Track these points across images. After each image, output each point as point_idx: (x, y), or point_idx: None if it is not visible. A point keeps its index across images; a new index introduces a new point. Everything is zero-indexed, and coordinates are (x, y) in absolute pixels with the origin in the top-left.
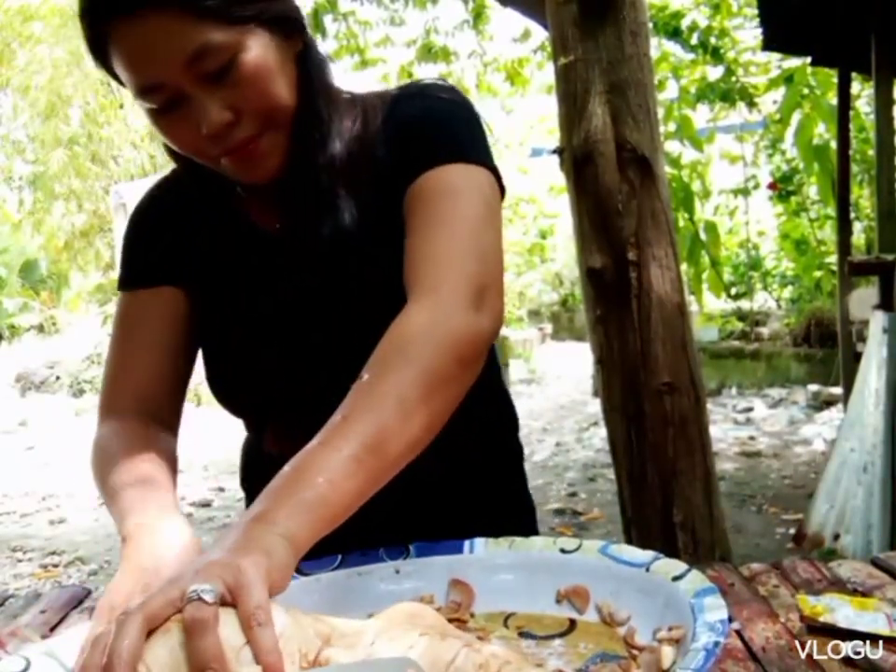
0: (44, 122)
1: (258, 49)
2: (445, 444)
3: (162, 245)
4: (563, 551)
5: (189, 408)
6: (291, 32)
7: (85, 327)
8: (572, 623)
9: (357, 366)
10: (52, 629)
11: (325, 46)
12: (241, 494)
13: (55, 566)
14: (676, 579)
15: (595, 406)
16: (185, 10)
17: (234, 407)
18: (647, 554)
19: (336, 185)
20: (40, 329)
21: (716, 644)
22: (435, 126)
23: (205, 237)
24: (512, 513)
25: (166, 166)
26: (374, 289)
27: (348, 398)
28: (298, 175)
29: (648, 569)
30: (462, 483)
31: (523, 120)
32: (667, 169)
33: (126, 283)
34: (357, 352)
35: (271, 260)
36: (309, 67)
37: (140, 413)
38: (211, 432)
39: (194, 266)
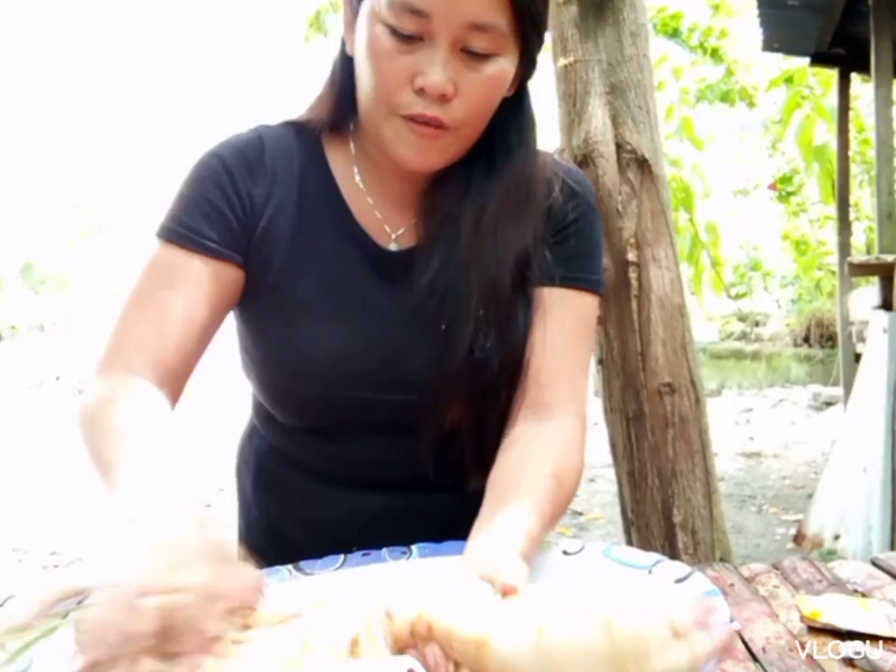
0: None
1: (509, 65)
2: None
3: (246, 216)
4: (565, 553)
5: (189, 408)
6: (528, 71)
7: (86, 327)
8: None
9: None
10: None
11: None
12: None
13: (55, 566)
14: (679, 581)
15: (596, 406)
16: None
17: (280, 404)
18: (650, 557)
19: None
20: (41, 328)
21: None
22: (595, 246)
23: (301, 222)
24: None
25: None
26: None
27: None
28: (466, 208)
29: (651, 572)
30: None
31: None
32: (668, 169)
33: (185, 239)
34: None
35: (385, 275)
36: (520, 117)
37: (155, 382)
38: (210, 432)
39: (280, 249)
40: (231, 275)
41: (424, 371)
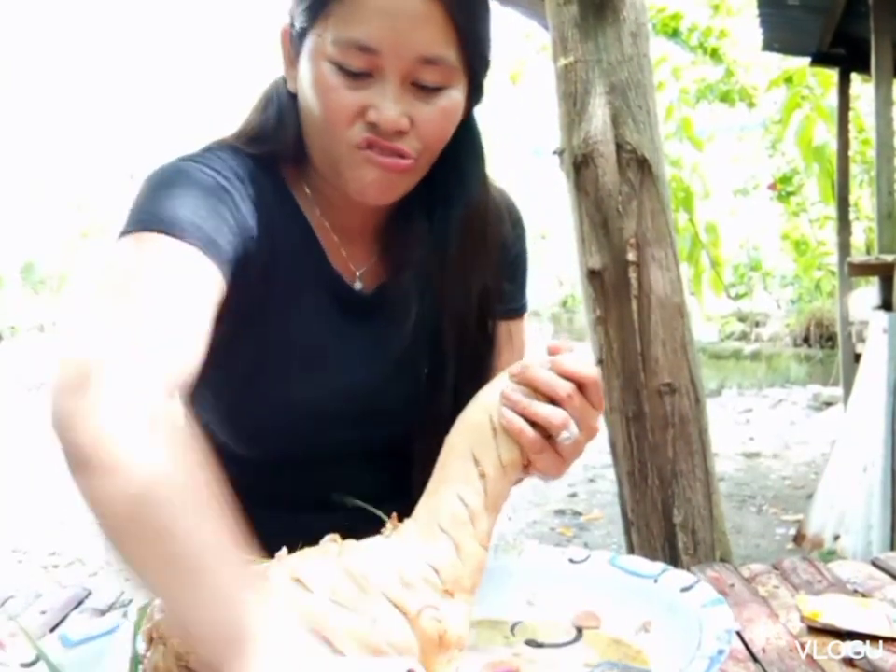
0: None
1: (460, 95)
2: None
3: (239, 238)
4: (571, 561)
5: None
6: (476, 99)
7: None
8: (579, 631)
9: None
10: (52, 629)
11: None
12: None
13: (55, 566)
14: (685, 590)
15: None
16: (452, 17)
17: (245, 439)
18: (656, 566)
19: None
20: (41, 328)
21: (720, 652)
22: (527, 271)
23: (275, 256)
24: None
25: None
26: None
27: None
28: (429, 246)
29: (657, 581)
30: None
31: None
32: (668, 169)
33: (200, 240)
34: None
35: (354, 314)
36: (470, 144)
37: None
38: None
39: (253, 282)
40: (225, 289)
41: (397, 406)
